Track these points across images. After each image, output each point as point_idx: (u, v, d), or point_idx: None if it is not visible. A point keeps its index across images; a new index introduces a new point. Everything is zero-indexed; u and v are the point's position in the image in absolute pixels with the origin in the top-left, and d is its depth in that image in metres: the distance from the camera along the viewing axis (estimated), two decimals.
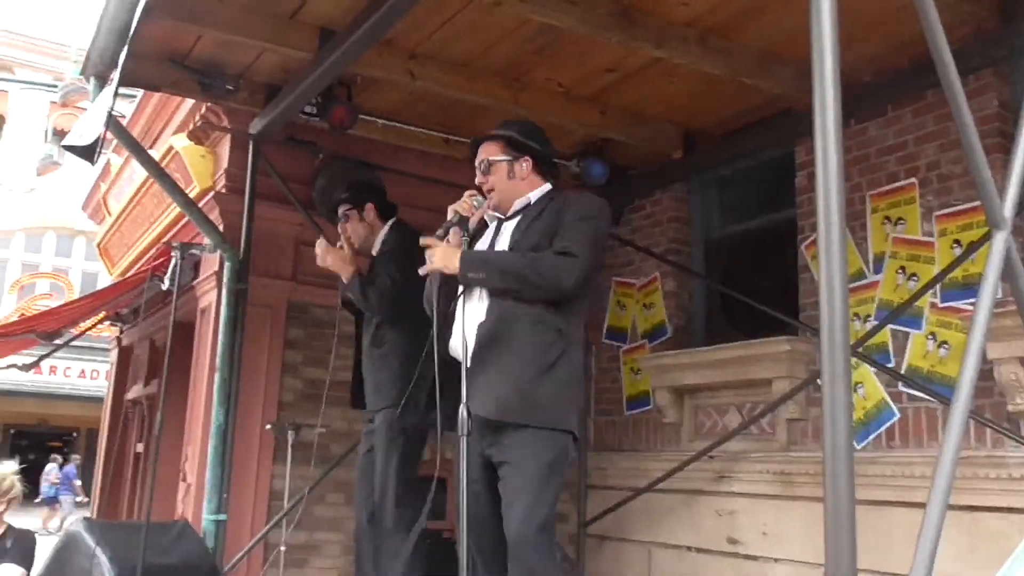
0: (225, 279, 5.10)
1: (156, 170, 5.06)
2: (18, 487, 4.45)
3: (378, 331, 4.08)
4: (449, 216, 3.03)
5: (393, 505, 3.87)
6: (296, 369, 5.53)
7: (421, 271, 3.00)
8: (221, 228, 5.22)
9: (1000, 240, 1.96)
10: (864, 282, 4.67)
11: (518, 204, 3.16)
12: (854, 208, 4.71)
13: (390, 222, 4.30)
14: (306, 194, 5.52)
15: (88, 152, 4.25)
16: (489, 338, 2.91)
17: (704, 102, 5.10)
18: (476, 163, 3.20)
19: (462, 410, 2.67)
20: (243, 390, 5.09)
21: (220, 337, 5.02)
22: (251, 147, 5.18)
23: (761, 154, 5.47)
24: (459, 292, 2.92)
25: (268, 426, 5.17)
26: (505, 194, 3.15)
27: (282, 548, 5.03)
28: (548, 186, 3.21)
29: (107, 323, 8.54)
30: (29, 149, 21.50)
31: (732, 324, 5.73)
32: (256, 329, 5.28)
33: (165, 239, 5.90)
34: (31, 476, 21.48)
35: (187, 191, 5.46)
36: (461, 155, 5.81)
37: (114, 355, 8.75)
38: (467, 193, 3.09)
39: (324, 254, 4.18)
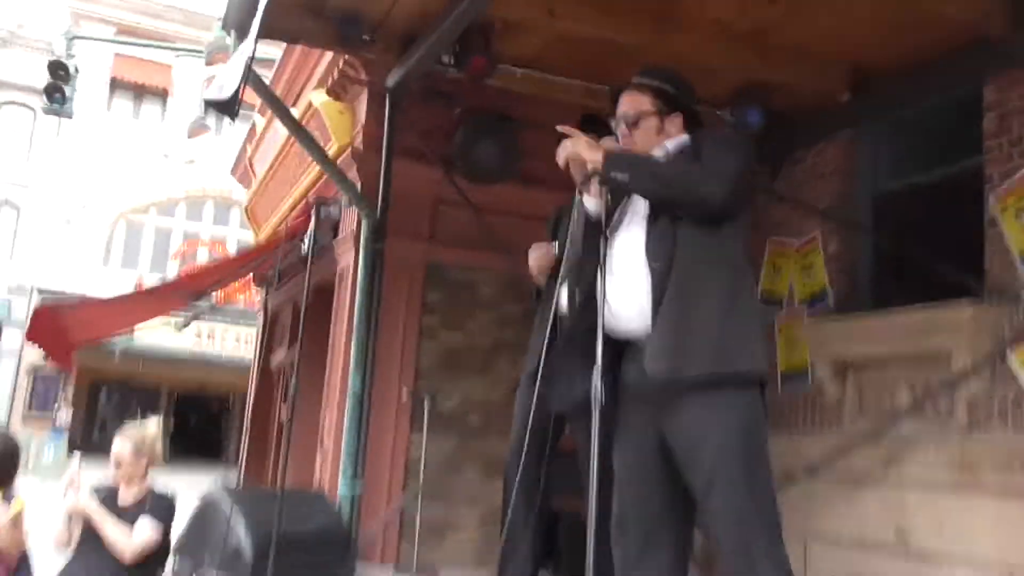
0: (362, 239, 4.98)
1: (294, 126, 4.96)
2: (159, 447, 4.44)
3: None
4: (562, 160, 2.70)
5: None
6: (434, 333, 5.36)
7: (559, 157, 2.67)
8: (359, 186, 5.11)
9: None
10: None
11: (656, 152, 2.80)
12: None
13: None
14: (445, 150, 5.31)
15: (228, 106, 4.15)
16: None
17: (878, 34, 4.53)
18: (619, 113, 2.84)
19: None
20: (380, 355, 4.96)
21: (357, 299, 4.91)
22: (387, 101, 5.00)
23: (942, 95, 4.85)
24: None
25: (405, 393, 5.02)
26: (646, 149, 2.79)
27: (417, 521, 4.89)
28: (686, 136, 2.84)
29: (255, 287, 8.68)
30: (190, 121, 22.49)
31: (904, 290, 5.14)
32: (394, 292, 5.15)
33: (307, 199, 5.83)
34: (196, 438, 22.87)
35: (326, 148, 5.36)
36: (604, 107, 5.48)
37: (260, 320, 8.89)
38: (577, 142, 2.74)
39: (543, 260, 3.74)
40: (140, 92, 22.79)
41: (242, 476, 8.00)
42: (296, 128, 4.95)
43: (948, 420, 4.50)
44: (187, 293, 6.21)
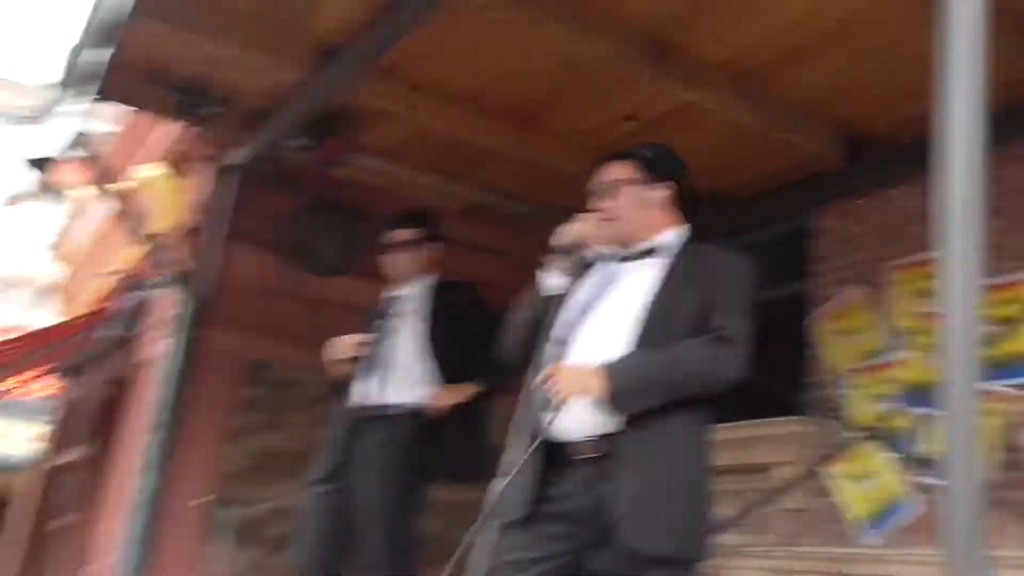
0: (179, 326, 4.58)
1: (118, 200, 4.64)
2: None
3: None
4: (562, 239, 2.37)
5: None
6: (247, 434, 4.93)
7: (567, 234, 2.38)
8: (182, 268, 4.75)
9: None
10: (884, 359, 4.32)
11: (651, 242, 2.43)
12: (876, 279, 4.43)
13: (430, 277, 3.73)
14: (282, 237, 5.09)
15: (42, 165, 3.89)
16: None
17: (730, 160, 4.78)
18: (600, 182, 2.52)
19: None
20: (179, 456, 4.47)
21: (162, 390, 4.45)
22: (228, 181, 4.79)
23: (780, 221, 5.18)
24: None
25: (204, 500, 4.54)
26: (632, 225, 2.44)
27: None
28: (686, 228, 2.51)
29: (50, 376, 7.90)
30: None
31: (735, 407, 5.30)
32: (206, 386, 4.70)
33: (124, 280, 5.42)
34: None
35: (153, 226, 5.04)
36: (459, 205, 5.45)
37: (53, 413, 8.06)
38: (583, 216, 2.43)
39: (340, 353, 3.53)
40: None
41: None
42: (120, 202, 4.63)
43: (769, 532, 4.60)
44: None
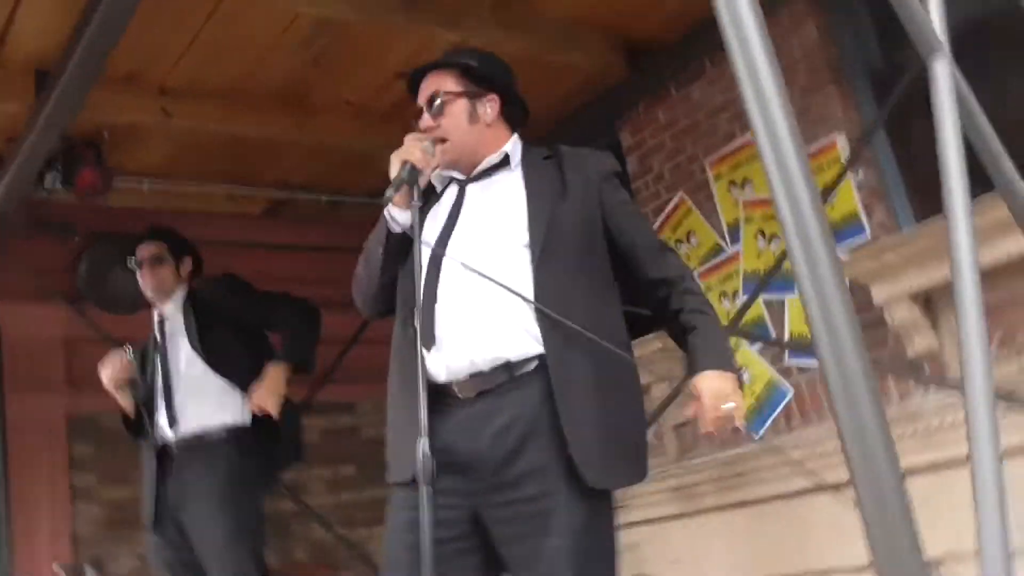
0: None
1: None
2: None
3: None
4: (395, 170, 2.02)
5: None
6: (92, 492, 4.52)
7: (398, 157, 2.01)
8: None
9: (943, 66, 1.43)
10: (723, 256, 4.22)
11: (490, 160, 2.18)
12: (695, 180, 4.31)
13: (189, 285, 3.50)
14: (68, 284, 4.59)
15: None
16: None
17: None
18: (421, 100, 2.23)
19: (424, 448, 1.72)
20: (20, 530, 4.12)
21: None
22: None
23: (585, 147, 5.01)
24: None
25: (56, 569, 4.15)
26: (465, 145, 2.17)
27: None
28: (517, 137, 2.26)
29: None
30: None
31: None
32: (28, 454, 4.33)
33: None
34: None
35: None
36: (255, 209, 5.10)
37: None
38: (411, 136, 2.09)
39: (117, 369, 3.24)
40: None
41: None
42: None
43: (659, 452, 4.50)
44: None
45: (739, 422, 1.99)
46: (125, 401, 3.26)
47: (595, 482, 1.86)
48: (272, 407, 3.15)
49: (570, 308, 1.95)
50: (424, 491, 1.68)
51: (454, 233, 2.08)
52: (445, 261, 2.03)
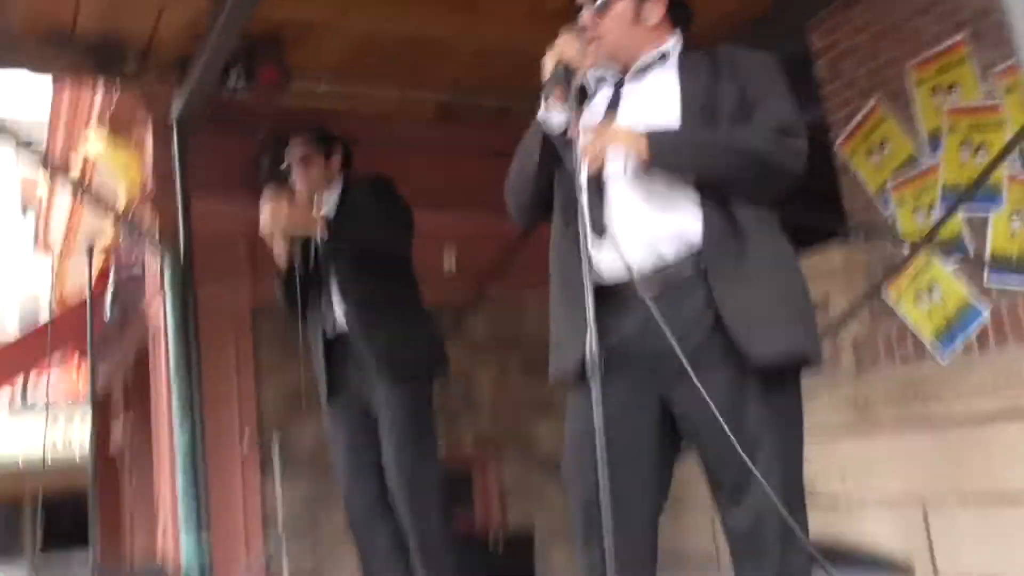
0: (169, 290, 4.36)
1: (71, 181, 4.31)
2: None
3: (363, 290, 3.24)
4: (548, 70, 2.00)
5: (440, 504, 3.15)
6: (274, 375, 4.79)
7: (579, 148, 1.92)
8: (157, 234, 4.49)
9: None
10: (920, 168, 3.91)
11: (647, 57, 2.11)
12: (892, 85, 3.98)
13: (342, 176, 3.48)
14: (252, 179, 4.76)
15: None
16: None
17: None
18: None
19: (592, 344, 1.71)
20: (212, 408, 4.38)
21: (172, 353, 4.28)
22: (176, 134, 4.42)
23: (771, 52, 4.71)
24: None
25: (245, 441, 4.46)
26: (624, 45, 2.11)
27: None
28: (679, 37, 2.16)
29: (73, 365, 7.87)
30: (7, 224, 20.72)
31: None
32: (218, 340, 4.59)
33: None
34: (68, 548, 20.90)
35: (116, 197, 4.73)
36: (427, 112, 5.08)
37: (91, 405, 8.07)
38: (564, 35, 2.04)
39: (280, 213, 3.17)
40: None
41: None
42: (73, 182, 4.30)
43: (836, 366, 4.34)
44: None
45: (596, 165, 1.94)
46: (280, 249, 3.24)
47: (767, 357, 1.82)
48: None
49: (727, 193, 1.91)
50: (596, 387, 1.68)
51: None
52: (608, 157, 1.96)
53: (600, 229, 1.92)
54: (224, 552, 4.29)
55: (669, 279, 1.89)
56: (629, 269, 1.86)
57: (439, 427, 5.00)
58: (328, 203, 3.36)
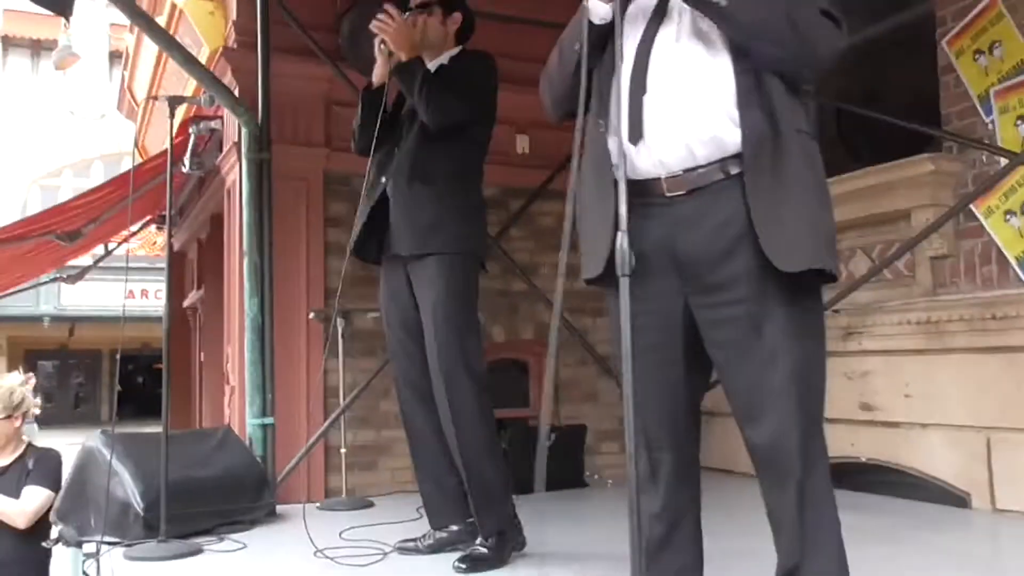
0: (244, 149, 4.41)
1: (154, 30, 4.30)
2: (30, 399, 3.95)
3: (420, 162, 3.15)
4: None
5: (472, 378, 3.06)
6: (342, 249, 4.80)
7: None
8: (236, 91, 4.51)
9: None
10: None
11: None
12: None
13: (459, 47, 3.31)
14: (331, 43, 4.72)
15: (59, 2, 3.55)
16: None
17: None
18: None
19: (623, 241, 1.67)
20: (280, 277, 4.44)
21: (244, 216, 4.36)
22: None
23: None
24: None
25: (311, 314, 4.52)
26: None
27: (343, 450, 4.45)
28: None
29: (154, 228, 8.06)
30: (96, 75, 21.26)
31: (853, 154, 4.75)
32: (289, 206, 4.57)
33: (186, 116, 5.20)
34: (143, 398, 22.03)
35: (199, 53, 4.75)
36: None
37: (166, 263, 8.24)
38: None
39: (397, 26, 3.09)
40: (36, 48, 21.45)
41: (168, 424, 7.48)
42: (155, 32, 4.30)
43: (910, 283, 4.17)
44: (61, 235, 5.56)
45: None
46: (381, 69, 3.19)
47: (789, 264, 1.74)
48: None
49: (771, 103, 1.80)
50: (624, 283, 1.63)
51: (662, 26, 1.92)
52: (655, 51, 1.88)
53: (636, 136, 1.85)
54: (285, 426, 4.38)
55: (701, 180, 1.84)
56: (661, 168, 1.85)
57: (497, 313, 5.06)
58: (432, 65, 3.20)
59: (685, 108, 1.83)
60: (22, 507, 3.79)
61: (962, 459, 3.83)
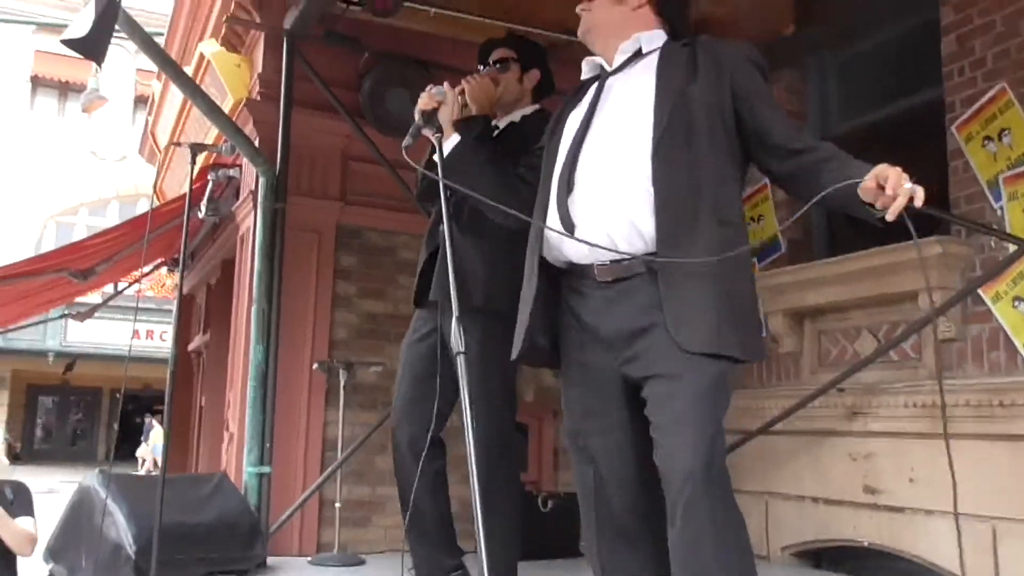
0: (260, 198, 4.46)
1: (180, 78, 4.39)
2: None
3: (473, 211, 3.01)
4: (417, 118, 2.39)
5: (501, 446, 2.93)
6: (350, 302, 4.84)
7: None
8: (256, 141, 4.58)
9: None
10: None
11: (624, 48, 2.18)
12: None
13: (536, 106, 3.23)
14: (352, 100, 4.81)
15: (91, 47, 3.63)
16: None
17: None
18: None
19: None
20: (287, 326, 4.47)
21: (256, 264, 4.39)
22: (285, 45, 4.50)
23: (894, 22, 4.47)
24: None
25: (315, 365, 4.52)
26: (608, 28, 2.20)
27: (337, 505, 4.41)
28: (662, 32, 2.21)
29: (165, 270, 8.12)
30: (120, 118, 21.63)
31: (861, 233, 4.76)
32: (301, 256, 4.63)
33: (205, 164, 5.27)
34: (139, 438, 21.99)
35: (223, 104, 4.84)
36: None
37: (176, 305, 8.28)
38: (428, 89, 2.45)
39: (481, 84, 3.01)
40: (64, 89, 21.85)
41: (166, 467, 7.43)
42: (182, 80, 4.40)
43: (915, 365, 4.14)
44: (74, 272, 5.60)
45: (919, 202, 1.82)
46: (451, 116, 3.05)
47: (696, 346, 1.91)
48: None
49: (688, 189, 1.97)
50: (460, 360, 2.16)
51: (592, 126, 2.11)
52: (582, 153, 2.09)
53: (569, 227, 2.04)
54: (280, 476, 4.37)
55: (623, 271, 2.01)
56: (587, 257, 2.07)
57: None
58: (504, 121, 3.15)
59: (605, 207, 2.01)
60: (33, 535, 3.72)
61: (967, 548, 3.76)
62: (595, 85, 2.19)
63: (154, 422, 20.34)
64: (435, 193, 2.93)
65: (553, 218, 2.08)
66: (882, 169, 1.84)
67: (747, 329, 2.01)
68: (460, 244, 2.95)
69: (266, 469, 4.24)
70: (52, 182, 20.45)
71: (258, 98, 4.78)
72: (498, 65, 3.15)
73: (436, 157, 2.32)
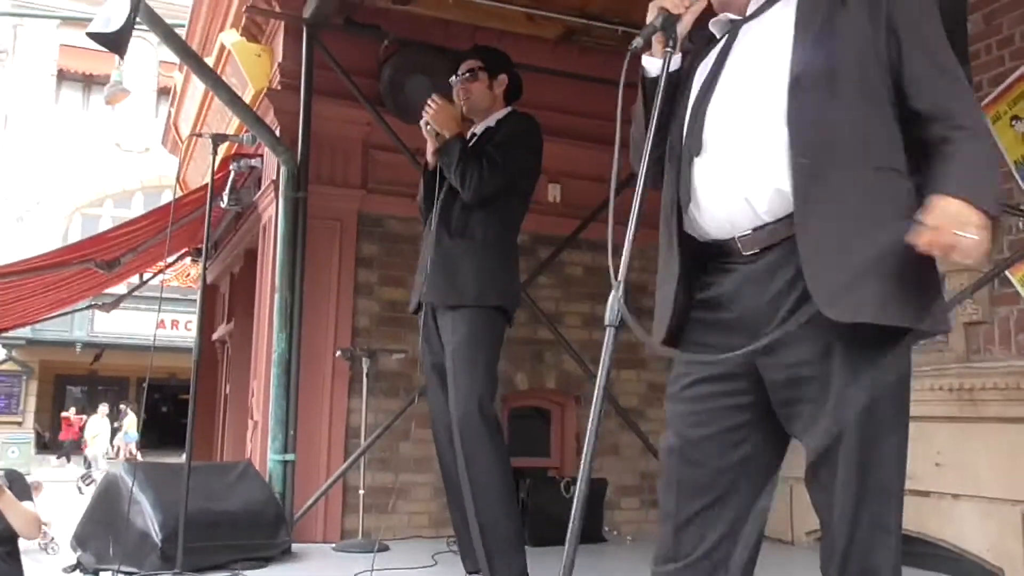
0: (282, 187, 4.48)
1: (201, 68, 4.41)
2: None
3: (461, 217, 3.24)
4: (650, 17, 1.84)
5: (486, 424, 3.08)
6: (371, 290, 4.85)
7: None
8: (277, 131, 4.59)
9: None
10: None
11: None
12: None
13: (508, 108, 3.43)
14: (372, 88, 4.80)
15: (115, 41, 3.66)
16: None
17: None
18: None
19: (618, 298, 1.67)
20: (310, 314, 4.48)
21: (278, 253, 4.41)
22: (305, 34, 4.50)
23: None
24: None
25: (338, 353, 4.54)
26: None
27: (361, 491, 4.43)
28: None
29: (189, 260, 8.16)
30: (143, 110, 21.77)
31: None
32: (322, 245, 4.64)
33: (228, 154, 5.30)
34: (168, 427, 22.21)
35: (244, 94, 4.85)
36: (550, 34, 5.03)
37: (199, 294, 8.32)
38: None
39: (439, 108, 3.24)
40: (88, 82, 22.01)
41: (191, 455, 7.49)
42: (203, 70, 4.42)
43: (942, 348, 4.11)
44: (100, 263, 5.66)
45: (975, 259, 1.57)
46: (432, 149, 3.29)
47: (848, 320, 1.59)
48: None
49: (832, 133, 1.67)
50: (609, 333, 1.73)
51: (720, 76, 1.84)
52: (709, 109, 1.81)
53: (686, 197, 1.82)
54: (304, 463, 4.40)
55: (765, 239, 1.73)
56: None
57: (521, 361, 5.04)
58: (480, 127, 3.37)
59: (739, 166, 1.75)
60: (40, 517, 3.76)
61: (993, 533, 3.73)
62: (726, 36, 1.90)
63: (128, 410, 20.51)
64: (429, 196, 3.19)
65: (684, 187, 1.81)
66: (938, 210, 1.56)
67: (917, 293, 1.66)
68: (450, 247, 3.19)
69: (290, 457, 4.27)
70: (78, 175, 20.63)
71: (279, 87, 4.79)
72: (467, 75, 3.34)
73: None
